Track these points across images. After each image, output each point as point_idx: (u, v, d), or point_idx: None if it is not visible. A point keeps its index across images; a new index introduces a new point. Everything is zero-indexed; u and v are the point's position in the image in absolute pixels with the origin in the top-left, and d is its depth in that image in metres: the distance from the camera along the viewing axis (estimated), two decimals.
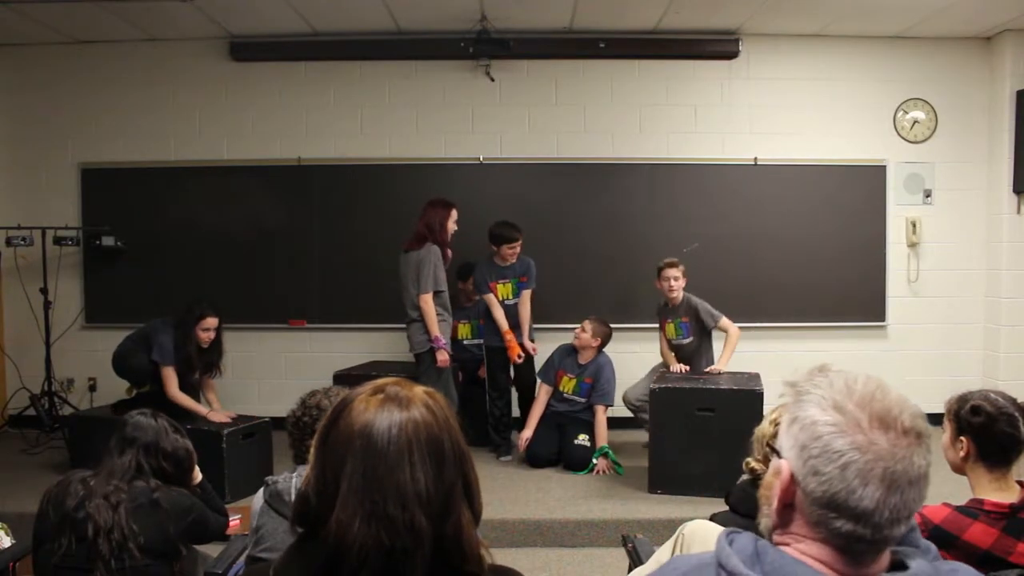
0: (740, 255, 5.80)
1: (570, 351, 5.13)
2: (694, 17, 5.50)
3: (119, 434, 2.40)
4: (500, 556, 1.19)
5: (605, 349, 5.12)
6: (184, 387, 4.69)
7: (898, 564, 0.98)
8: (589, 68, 5.90)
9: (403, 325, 4.91)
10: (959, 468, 2.05)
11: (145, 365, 4.68)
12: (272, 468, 4.57)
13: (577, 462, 4.83)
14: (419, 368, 4.76)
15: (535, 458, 4.93)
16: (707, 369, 4.93)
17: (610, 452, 4.85)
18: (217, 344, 4.72)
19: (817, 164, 5.85)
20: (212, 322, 4.63)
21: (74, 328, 5.90)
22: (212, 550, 2.60)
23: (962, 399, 2.03)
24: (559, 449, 4.96)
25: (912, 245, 5.89)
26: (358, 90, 5.94)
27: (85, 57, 5.92)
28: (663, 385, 4.47)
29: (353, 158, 5.91)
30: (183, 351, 4.59)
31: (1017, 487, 1.96)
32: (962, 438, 2.01)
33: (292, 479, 2.17)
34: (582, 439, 4.91)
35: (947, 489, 2.21)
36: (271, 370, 5.97)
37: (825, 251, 5.84)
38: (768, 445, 2.19)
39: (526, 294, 5.14)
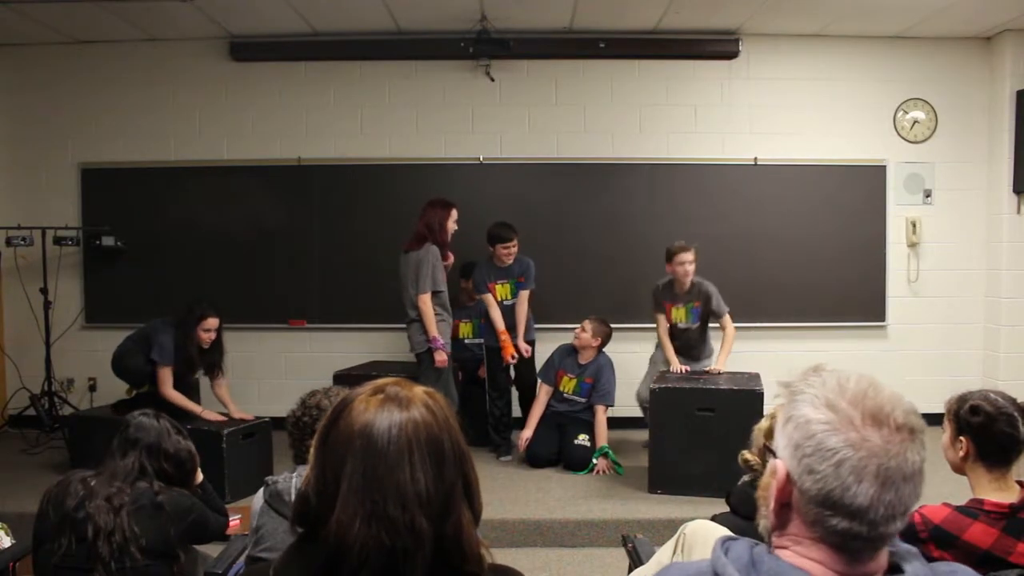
0: (740, 255, 5.80)
1: (570, 351, 5.13)
2: (694, 17, 5.50)
3: (122, 435, 2.40)
4: (500, 556, 1.19)
5: (605, 349, 5.12)
6: (183, 387, 4.69)
7: (894, 567, 0.98)
8: (589, 68, 5.90)
9: (403, 325, 4.91)
10: (959, 468, 2.05)
11: (142, 366, 4.68)
12: (272, 468, 4.57)
13: (577, 462, 4.83)
14: (419, 368, 4.77)
15: (535, 458, 4.93)
16: (707, 369, 4.93)
17: (610, 452, 4.85)
18: (218, 344, 4.72)
19: (817, 164, 5.85)
20: (213, 322, 4.63)
21: (74, 328, 5.90)
22: (212, 550, 2.60)
23: (962, 399, 2.03)
24: (559, 449, 4.96)
25: (912, 245, 5.89)
26: (358, 90, 5.94)
27: (85, 57, 5.92)
28: (663, 385, 4.47)
29: (353, 158, 5.91)
30: (184, 351, 4.59)
31: (1017, 487, 1.96)
32: (962, 438, 2.01)
33: (292, 479, 2.17)
34: (582, 439, 4.91)
35: (947, 489, 2.22)
36: (271, 370, 5.97)
37: (825, 251, 5.84)
38: (765, 446, 2.20)
39: (523, 295, 5.14)
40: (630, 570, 2.39)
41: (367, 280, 5.84)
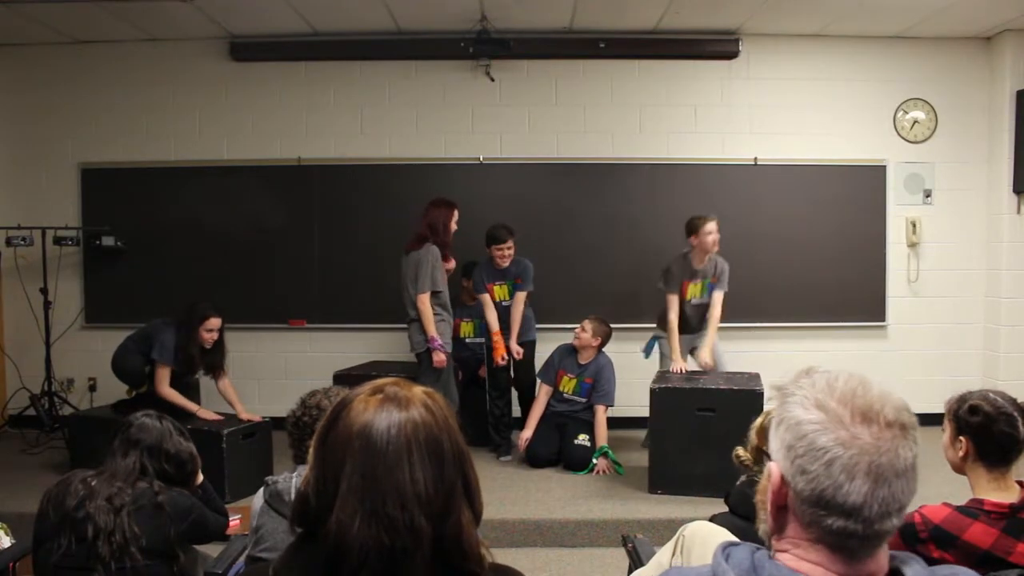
0: (740, 255, 5.77)
1: (570, 351, 5.13)
2: (694, 17, 5.50)
3: (123, 435, 2.40)
4: (500, 556, 1.19)
5: (605, 349, 5.12)
6: (183, 387, 4.70)
7: (894, 571, 0.98)
8: (589, 68, 5.90)
9: (402, 325, 4.91)
10: (959, 468, 2.05)
11: (139, 367, 4.68)
12: (272, 468, 4.57)
13: (577, 462, 4.83)
14: (419, 368, 4.77)
15: (535, 458, 4.93)
16: (701, 364, 4.92)
17: (610, 452, 4.85)
18: (220, 344, 4.72)
19: (817, 164, 5.85)
20: (216, 322, 4.64)
21: (74, 328, 5.90)
22: (212, 550, 2.60)
23: (961, 399, 2.03)
24: (559, 449, 4.96)
25: (912, 245, 5.89)
26: (358, 90, 5.94)
27: (85, 57, 5.92)
28: (663, 385, 4.47)
29: (353, 158, 5.92)
30: (186, 351, 4.59)
31: (1017, 487, 1.96)
32: (961, 438, 2.01)
33: (292, 479, 2.17)
34: (582, 439, 4.92)
35: (947, 489, 2.21)
36: (271, 370, 5.97)
37: (825, 251, 5.84)
38: (757, 446, 2.20)
39: (519, 296, 5.14)
40: (630, 570, 2.39)
41: (367, 280, 5.84)
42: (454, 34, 5.60)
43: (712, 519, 2.22)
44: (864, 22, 5.53)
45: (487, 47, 5.49)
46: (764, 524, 1.02)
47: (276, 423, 4.29)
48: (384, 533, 1.02)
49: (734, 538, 1.93)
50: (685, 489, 4.27)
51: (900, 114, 5.88)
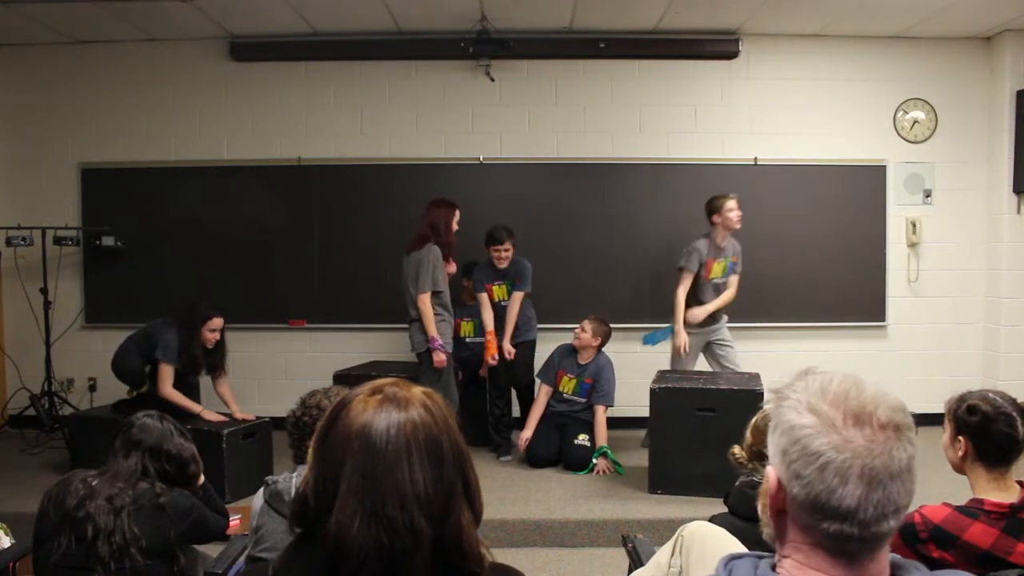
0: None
1: (570, 351, 5.13)
2: (694, 17, 5.50)
3: (124, 436, 2.39)
4: (500, 556, 1.19)
5: (605, 349, 5.12)
6: (185, 387, 4.70)
7: None
8: (589, 68, 5.90)
9: (402, 325, 4.91)
10: (959, 468, 2.05)
11: (139, 367, 4.69)
12: (272, 468, 4.57)
13: (577, 462, 4.83)
14: (420, 368, 4.77)
15: (535, 458, 4.94)
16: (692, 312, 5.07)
17: (610, 452, 4.85)
18: (221, 344, 4.74)
19: (817, 164, 5.85)
20: (218, 322, 4.65)
21: (74, 328, 5.90)
22: (212, 550, 2.60)
23: (961, 399, 2.03)
24: (559, 449, 4.96)
25: (912, 245, 5.89)
26: (358, 90, 5.94)
27: (85, 57, 5.91)
28: (663, 385, 4.47)
29: (353, 158, 5.91)
30: (189, 351, 4.59)
31: (1017, 487, 1.96)
32: (961, 438, 2.01)
33: (292, 479, 2.17)
34: (582, 439, 4.92)
35: (947, 489, 2.22)
36: (271, 370, 5.97)
37: (825, 251, 5.84)
38: (751, 446, 2.21)
39: (515, 296, 5.14)
40: (630, 570, 2.39)
41: (367, 280, 5.84)
42: (454, 34, 5.60)
43: (712, 519, 2.22)
44: (864, 22, 5.53)
45: (487, 47, 5.49)
46: (767, 528, 1.02)
47: (276, 423, 4.29)
48: (384, 534, 1.02)
49: (733, 539, 1.94)
50: (685, 489, 4.26)
51: (900, 114, 5.88)
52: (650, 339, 5.23)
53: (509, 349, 5.16)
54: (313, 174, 5.93)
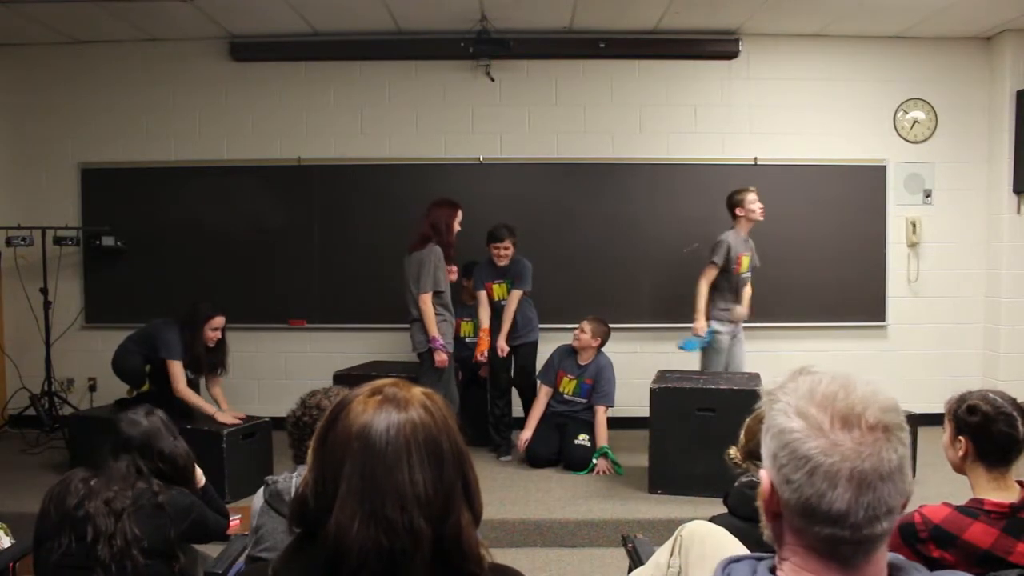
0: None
1: (570, 352, 5.12)
2: (694, 17, 5.50)
3: (114, 436, 2.39)
4: (500, 556, 1.19)
5: (605, 349, 5.12)
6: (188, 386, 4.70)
7: None
8: (589, 68, 5.90)
9: (402, 325, 4.91)
10: (959, 468, 2.05)
11: (140, 367, 4.69)
12: (272, 468, 4.57)
13: (577, 462, 4.83)
14: (421, 368, 4.77)
15: (535, 458, 4.94)
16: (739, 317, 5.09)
17: (610, 452, 4.85)
18: (223, 343, 4.75)
19: (817, 164, 5.85)
20: (220, 321, 4.67)
21: (74, 328, 5.90)
22: (212, 550, 2.60)
23: (961, 399, 2.04)
24: (559, 449, 4.96)
25: (912, 245, 5.89)
26: (358, 90, 5.94)
27: (85, 57, 5.92)
28: (663, 385, 4.47)
29: (353, 158, 5.91)
30: (192, 351, 4.60)
31: (1017, 487, 1.96)
32: (961, 438, 2.01)
33: (292, 479, 2.17)
34: (582, 439, 4.92)
35: (947, 489, 2.22)
36: (271, 370, 5.97)
37: (825, 251, 5.84)
38: (747, 446, 2.22)
39: (514, 294, 5.14)
40: (630, 570, 2.39)
41: (367, 280, 5.84)
42: (454, 34, 5.60)
43: (711, 520, 2.22)
44: (864, 22, 5.53)
45: (487, 47, 5.49)
46: (767, 530, 1.02)
47: (276, 423, 4.29)
48: (383, 535, 1.02)
49: (733, 539, 1.94)
50: (685, 489, 4.26)
51: (900, 114, 5.88)
52: (689, 345, 5.12)
53: (503, 346, 5.15)
54: (313, 174, 5.93)
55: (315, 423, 2.06)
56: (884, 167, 5.88)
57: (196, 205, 5.90)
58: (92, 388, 5.93)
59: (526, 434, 5.00)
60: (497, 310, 5.19)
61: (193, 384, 4.79)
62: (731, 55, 5.83)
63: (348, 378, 4.92)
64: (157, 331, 4.64)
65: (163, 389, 4.64)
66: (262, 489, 2.24)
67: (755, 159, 5.84)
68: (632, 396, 5.31)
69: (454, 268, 4.95)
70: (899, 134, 5.88)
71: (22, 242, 5.54)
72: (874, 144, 5.88)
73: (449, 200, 4.85)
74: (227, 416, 4.57)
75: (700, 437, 4.24)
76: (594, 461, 4.82)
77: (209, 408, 4.62)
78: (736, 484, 2.34)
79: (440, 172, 5.88)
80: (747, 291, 5.23)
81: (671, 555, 1.98)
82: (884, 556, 0.97)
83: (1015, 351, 5.70)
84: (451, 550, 1.07)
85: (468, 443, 1.14)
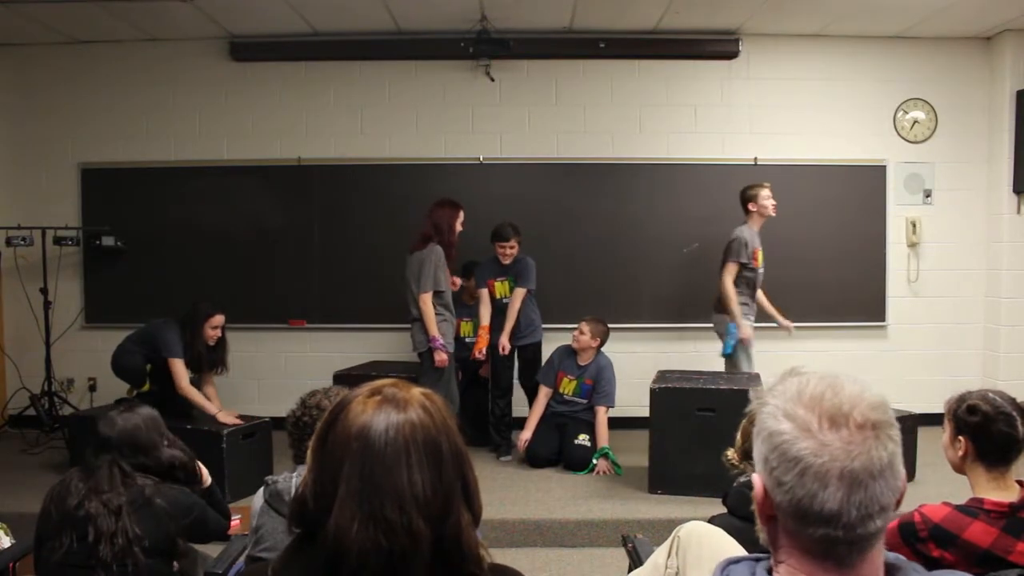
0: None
1: (569, 352, 5.12)
2: (694, 17, 5.50)
3: (93, 439, 2.36)
4: (500, 556, 1.19)
5: (605, 349, 5.12)
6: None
7: None
8: (589, 68, 5.90)
9: (402, 325, 4.91)
10: (959, 468, 2.05)
11: (139, 366, 4.69)
12: (272, 468, 4.57)
13: (577, 462, 4.83)
14: (421, 367, 4.78)
15: (535, 458, 4.93)
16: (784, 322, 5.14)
17: (610, 453, 4.85)
18: (223, 341, 4.76)
19: (817, 164, 5.85)
20: (219, 319, 4.69)
21: (74, 328, 5.90)
22: (212, 550, 2.60)
23: (960, 399, 2.04)
24: (559, 449, 4.96)
25: (912, 245, 5.89)
26: (358, 90, 5.94)
27: (85, 57, 5.92)
28: (663, 385, 4.47)
29: (353, 158, 5.91)
30: (192, 349, 4.61)
31: (1016, 486, 1.97)
32: (960, 438, 2.01)
33: (292, 479, 2.17)
34: (582, 439, 4.91)
35: (947, 489, 2.22)
36: (271, 370, 5.97)
37: (825, 251, 5.84)
38: (743, 447, 2.22)
39: (518, 292, 5.14)
40: (630, 570, 2.39)
41: (367, 280, 5.84)
42: (454, 34, 5.60)
43: (711, 520, 2.22)
44: (864, 22, 5.53)
45: (487, 47, 5.49)
46: (762, 532, 1.02)
47: (276, 423, 4.29)
48: (383, 535, 1.02)
49: (731, 539, 1.94)
50: (685, 489, 4.26)
51: (900, 114, 5.88)
52: (726, 348, 5.01)
53: (504, 344, 5.14)
54: (313, 174, 5.93)
55: (315, 423, 2.07)
56: (884, 167, 5.88)
57: (196, 205, 5.90)
58: (92, 388, 5.93)
59: (525, 435, 5.00)
60: (499, 308, 5.18)
61: (195, 383, 4.80)
62: (731, 55, 5.83)
63: (348, 378, 4.92)
64: (157, 330, 4.65)
65: (164, 388, 4.65)
66: (262, 489, 2.24)
67: (755, 159, 5.84)
68: (632, 396, 5.31)
69: (457, 280, 4.96)
70: (899, 134, 5.88)
71: (22, 242, 5.54)
72: (874, 144, 5.88)
73: (451, 201, 4.85)
74: (227, 416, 4.58)
75: (700, 437, 4.24)
76: (594, 461, 4.82)
77: (211, 407, 4.63)
78: (735, 484, 2.35)
79: (440, 172, 5.88)
80: (763, 297, 5.16)
81: (669, 556, 1.98)
82: (880, 554, 0.97)
83: (1015, 351, 5.70)
84: (450, 550, 1.07)
85: (468, 443, 1.14)
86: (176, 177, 5.92)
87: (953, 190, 5.88)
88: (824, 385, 0.95)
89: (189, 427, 4.37)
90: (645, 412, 4.57)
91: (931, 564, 1.88)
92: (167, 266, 5.88)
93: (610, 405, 5.02)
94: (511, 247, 5.07)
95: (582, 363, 5.08)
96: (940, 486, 3.90)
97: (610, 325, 5.16)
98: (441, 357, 4.64)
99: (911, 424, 4.42)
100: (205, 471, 2.67)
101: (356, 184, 5.90)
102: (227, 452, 4.33)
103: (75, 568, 2.16)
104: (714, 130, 5.88)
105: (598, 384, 5.02)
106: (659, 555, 2.03)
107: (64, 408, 5.60)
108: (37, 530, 2.26)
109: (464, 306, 5.41)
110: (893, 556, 1.00)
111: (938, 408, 2.12)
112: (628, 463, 4.86)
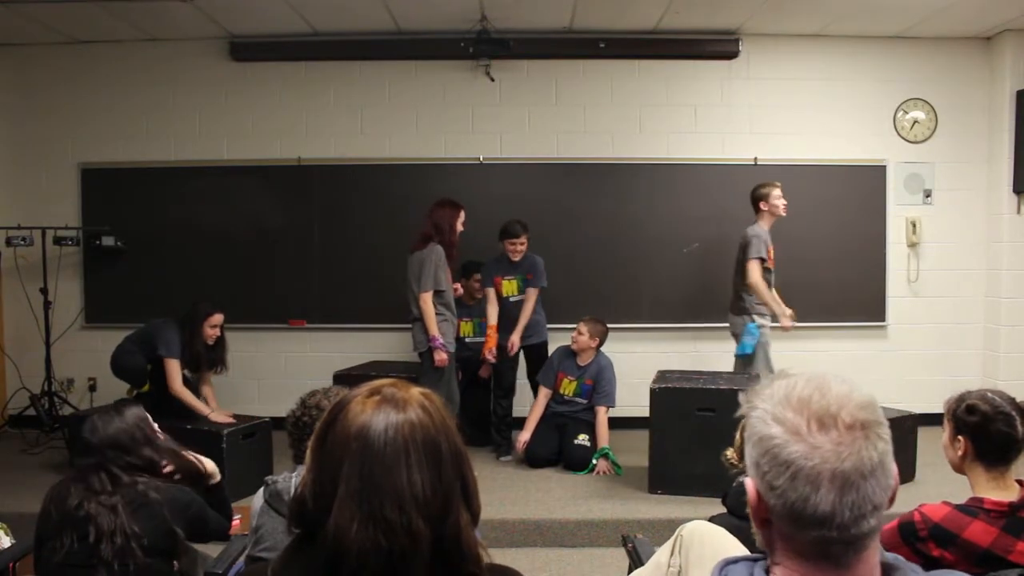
0: None
1: (569, 353, 5.12)
2: (694, 17, 5.50)
3: (79, 443, 2.36)
4: (500, 556, 1.19)
5: (605, 349, 5.12)
6: (184, 385, 4.71)
7: None
8: (589, 68, 5.90)
9: (402, 325, 4.91)
10: (958, 467, 2.05)
11: (140, 366, 4.69)
12: (272, 468, 4.57)
13: (577, 462, 4.83)
14: (421, 367, 4.77)
15: (535, 458, 4.93)
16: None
17: (611, 453, 4.85)
18: (222, 340, 4.76)
19: (817, 164, 5.85)
20: (219, 318, 4.69)
21: (74, 328, 5.90)
22: (212, 550, 2.60)
23: (960, 398, 2.04)
24: (559, 449, 4.96)
25: (912, 245, 5.89)
26: (358, 90, 5.94)
27: (85, 57, 5.92)
28: (663, 385, 4.47)
29: (353, 158, 5.91)
30: (191, 348, 4.61)
31: (1016, 486, 1.97)
32: (960, 437, 2.01)
33: (292, 479, 2.18)
34: (582, 439, 4.91)
35: (947, 489, 2.22)
36: (271, 370, 5.97)
37: (825, 251, 5.84)
38: (742, 446, 2.22)
39: (530, 292, 5.14)
40: (630, 570, 2.39)
41: (367, 280, 5.84)
42: (454, 34, 5.60)
43: (711, 520, 2.22)
44: (864, 22, 5.53)
45: (487, 47, 5.49)
46: (758, 537, 1.02)
47: (276, 423, 4.29)
48: (382, 535, 1.02)
49: (733, 539, 1.94)
50: (685, 489, 4.26)
51: (900, 114, 5.88)
52: (745, 348, 4.94)
53: (514, 342, 5.13)
54: (313, 174, 5.93)
55: (315, 423, 2.07)
56: (884, 167, 5.88)
57: (196, 205, 5.90)
58: (92, 388, 5.93)
59: (524, 436, 4.99)
60: (505, 306, 5.17)
61: (189, 384, 4.80)
62: (731, 55, 5.83)
63: (348, 378, 4.92)
64: (157, 330, 4.65)
65: (162, 389, 4.65)
66: (262, 489, 2.25)
67: (755, 159, 5.84)
68: (632, 396, 5.31)
69: (459, 286, 4.95)
70: (899, 134, 5.88)
71: (22, 242, 5.54)
72: (874, 144, 5.88)
73: (452, 201, 4.85)
74: (219, 416, 4.58)
75: (700, 437, 4.24)
76: (594, 461, 4.82)
77: (203, 408, 4.64)
78: (735, 484, 2.35)
79: (440, 172, 5.88)
80: (777, 296, 5.05)
81: (671, 555, 1.98)
82: (876, 553, 0.97)
83: (1015, 351, 5.70)
84: (450, 550, 1.07)
85: (468, 443, 1.14)
86: (176, 177, 5.92)
87: (953, 190, 5.88)
88: (812, 387, 0.95)
89: (189, 427, 4.38)
90: (645, 412, 4.57)
91: (931, 564, 1.88)
92: (167, 266, 5.88)
93: (610, 405, 5.02)
94: (521, 244, 5.07)
95: (582, 363, 5.08)
96: (940, 486, 3.90)
97: (610, 325, 5.16)
98: (441, 357, 4.64)
99: (911, 424, 4.42)
100: (213, 466, 2.65)
101: (356, 184, 5.90)
102: (227, 452, 4.33)
103: (76, 568, 2.16)
104: (714, 130, 5.88)
105: (598, 384, 5.02)
106: (662, 554, 2.03)
107: (64, 408, 5.60)
108: (37, 530, 2.26)
109: (464, 306, 5.41)
110: (892, 556, 1.00)
111: (938, 408, 2.12)
112: (628, 463, 4.86)
